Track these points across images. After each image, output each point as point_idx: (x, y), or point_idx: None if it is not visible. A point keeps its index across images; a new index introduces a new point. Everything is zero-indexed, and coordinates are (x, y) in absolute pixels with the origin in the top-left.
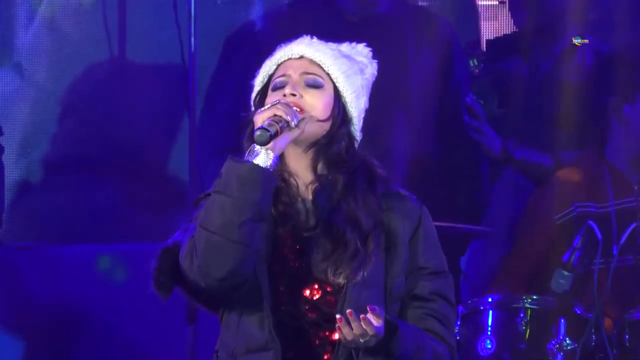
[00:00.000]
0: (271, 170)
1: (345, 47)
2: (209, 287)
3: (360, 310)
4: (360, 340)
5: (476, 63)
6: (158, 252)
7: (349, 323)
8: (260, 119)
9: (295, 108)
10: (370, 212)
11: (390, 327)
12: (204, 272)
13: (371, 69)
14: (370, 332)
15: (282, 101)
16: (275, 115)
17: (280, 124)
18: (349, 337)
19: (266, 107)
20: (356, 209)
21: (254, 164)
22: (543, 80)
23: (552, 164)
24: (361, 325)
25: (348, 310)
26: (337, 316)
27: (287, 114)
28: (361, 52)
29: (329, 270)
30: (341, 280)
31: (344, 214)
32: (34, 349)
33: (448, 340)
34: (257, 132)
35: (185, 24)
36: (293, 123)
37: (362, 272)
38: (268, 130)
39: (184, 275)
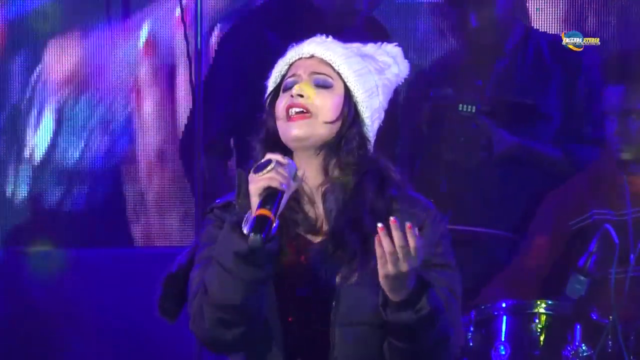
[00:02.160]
0: (270, 237)
1: (370, 46)
2: (220, 352)
3: (353, 311)
4: (399, 256)
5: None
6: (162, 280)
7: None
8: (254, 188)
9: (287, 160)
10: (375, 215)
11: (420, 283)
12: (214, 343)
13: (396, 69)
14: (412, 244)
15: (275, 163)
16: (269, 187)
17: (276, 201)
18: (389, 249)
19: (260, 174)
20: (361, 212)
21: (252, 239)
22: (500, 76)
23: (562, 155)
24: (403, 235)
25: (392, 218)
26: (379, 225)
27: (282, 183)
28: (389, 51)
29: (326, 272)
30: (337, 280)
31: (348, 216)
32: (36, 352)
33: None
34: (251, 237)
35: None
36: (291, 183)
37: (356, 274)
38: (262, 230)
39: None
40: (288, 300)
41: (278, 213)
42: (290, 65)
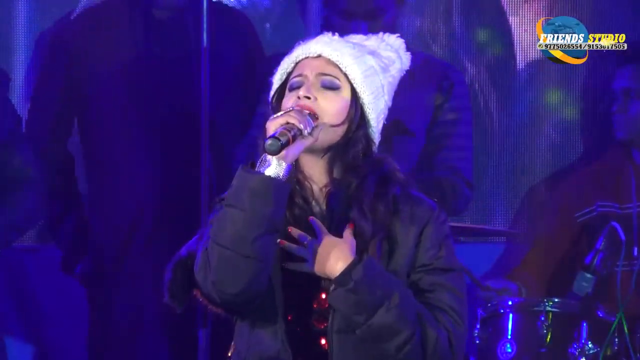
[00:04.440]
0: (283, 180)
1: (373, 40)
2: (224, 302)
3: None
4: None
5: None
6: (172, 264)
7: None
8: (273, 126)
9: (307, 112)
10: (375, 217)
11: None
12: (218, 288)
13: (399, 63)
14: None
15: (295, 108)
16: (287, 122)
17: (293, 132)
18: (293, 249)
19: (279, 114)
20: (360, 215)
21: (266, 176)
22: None
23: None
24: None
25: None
26: (278, 240)
27: (300, 122)
28: (392, 44)
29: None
30: (334, 285)
31: (345, 219)
32: (42, 350)
33: (447, 326)
34: (268, 141)
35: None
36: (306, 131)
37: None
38: (279, 140)
39: (199, 286)
40: (289, 297)
41: (295, 155)
42: (297, 63)
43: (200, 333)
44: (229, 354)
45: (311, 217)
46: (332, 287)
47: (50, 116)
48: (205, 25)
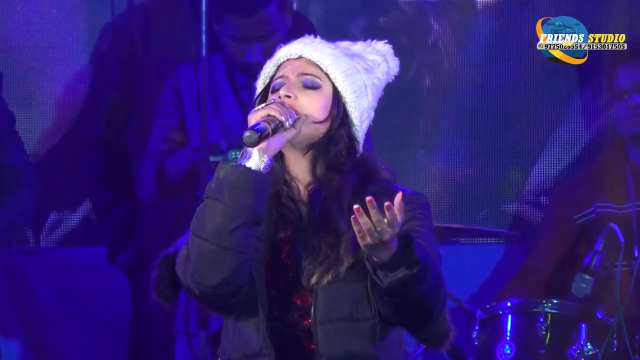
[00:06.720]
0: (264, 172)
1: (359, 45)
2: (204, 295)
3: (332, 308)
4: (376, 230)
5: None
6: (158, 260)
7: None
8: (253, 118)
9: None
10: (351, 212)
11: (403, 239)
12: (197, 280)
13: (385, 67)
14: (389, 216)
15: (277, 101)
16: (268, 115)
17: (274, 125)
18: (366, 226)
19: (260, 106)
20: (338, 211)
21: (246, 167)
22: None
23: None
24: (378, 212)
25: (368, 198)
26: (355, 206)
27: (281, 114)
28: (379, 49)
29: (303, 273)
30: (313, 281)
31: (326, 217)
32: (41, 352)
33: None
34: (246, 133)
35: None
36: (288, 123)
37: (330, 274)
38: (257, 131)
39: (180, 280)
40: (271, 293)
41: (276, 147)
42: (279, 66)
43: (200, 334)
44: (217, 353)
45: (370, 198)
46: (384, 270)
47: (105, 106)
48: (204, 28)
